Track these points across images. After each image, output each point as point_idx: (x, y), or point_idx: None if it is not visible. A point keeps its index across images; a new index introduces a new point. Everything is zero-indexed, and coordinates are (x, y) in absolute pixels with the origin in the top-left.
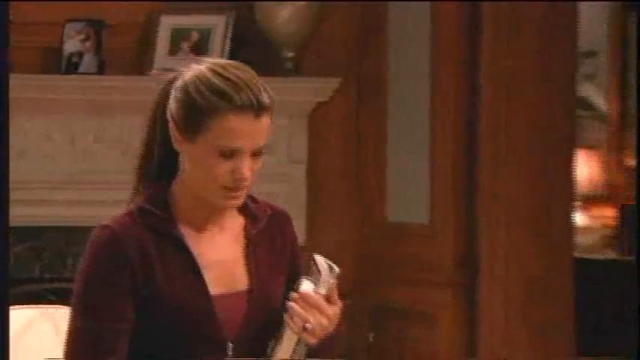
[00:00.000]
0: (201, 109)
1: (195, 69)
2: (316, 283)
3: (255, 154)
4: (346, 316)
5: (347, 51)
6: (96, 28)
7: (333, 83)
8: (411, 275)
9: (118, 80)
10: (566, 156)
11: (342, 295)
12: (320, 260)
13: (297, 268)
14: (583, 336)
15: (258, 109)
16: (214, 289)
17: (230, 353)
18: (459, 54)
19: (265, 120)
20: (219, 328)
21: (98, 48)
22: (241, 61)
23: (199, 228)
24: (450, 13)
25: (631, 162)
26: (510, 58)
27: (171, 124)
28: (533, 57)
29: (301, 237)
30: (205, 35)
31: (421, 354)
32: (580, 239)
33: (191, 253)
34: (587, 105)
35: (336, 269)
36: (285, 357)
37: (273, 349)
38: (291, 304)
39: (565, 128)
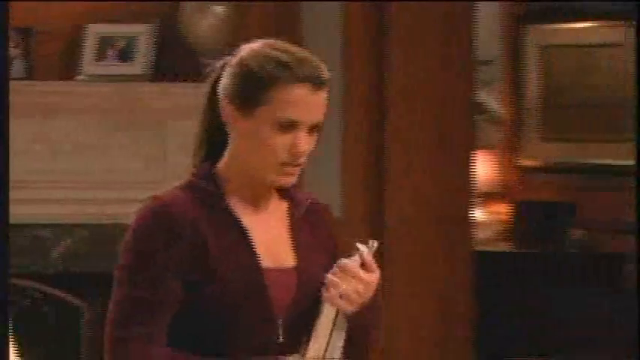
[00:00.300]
0: (262, 80)
1: (251, 46)
2: (351, 257)
3: (312, 130)
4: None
5: None
6: (24, 35)
7: None
8: None
9: (47, 85)
10: (465, 156)
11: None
12: (359, 245)
13: (338, 254)
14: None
15: (318, 82)
16: (263, 263)
17: (279, 328)
18: (368, 57)
19: (323, 95)
20: (269, 301)
21: (27, 54)
22: (164, 68)
23: (247, 205)
24: (358, 18)
25: (524, 162)
26: (414, 65)
27: (224, 102)
28: (435, 65)
29: None
30: (131, 42)
31: None
32: (478, 233)
33: (243, 227)
34: (483, 109)
35: (374, 243)
36: (325, 331)
37: (314, 325)
38: (328, 275)
39: (464, 130)
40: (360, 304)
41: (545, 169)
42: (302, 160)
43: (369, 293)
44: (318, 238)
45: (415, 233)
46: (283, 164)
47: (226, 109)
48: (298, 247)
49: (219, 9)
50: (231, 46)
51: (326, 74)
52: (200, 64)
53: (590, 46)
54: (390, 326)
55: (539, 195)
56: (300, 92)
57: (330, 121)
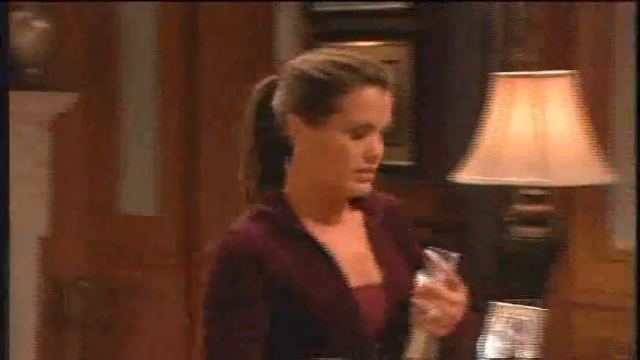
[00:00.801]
0: (332, 87)
1: (305, 58)
2: (432, 273)
3: (380, 133)
4: (85, 297)
5: (84, 67)
6: None
7: (71, 97)
8: (141, 260)
9: None
10: None
11: (80, 278)
12: (431, 253)
13: (417, 257)
14: None
15: (384, 82)
16: (351, 282)
17: (376, 349)
18: (180, 62)
19: (390, 95)
20: (362, 321)
21: None
22: None
23: (321, 222)
24: (171, 30)
25: None
26: (223, 75)
27: (288, 116)
28: (242, 76)
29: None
30: None
31: (148, 325)
32: None
33: (325, 249)
34: None
35: (453, 255)
36: (416, 355)
37: (407, 350)
38: (413, 299)
39: None
40: (452, 324)
41: None
42: (377, 164)
43: (460, 312)
44: (398, 244)
45: (227, 226)
46: (360, 171)
47: (292, 123)
48: (381, 259)
49: (40, 24)
50: (51, 59)
51: (390, 75)
52: (27, 74)
53: None
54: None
55: None
56: (370, 94)
57: (145, 127)
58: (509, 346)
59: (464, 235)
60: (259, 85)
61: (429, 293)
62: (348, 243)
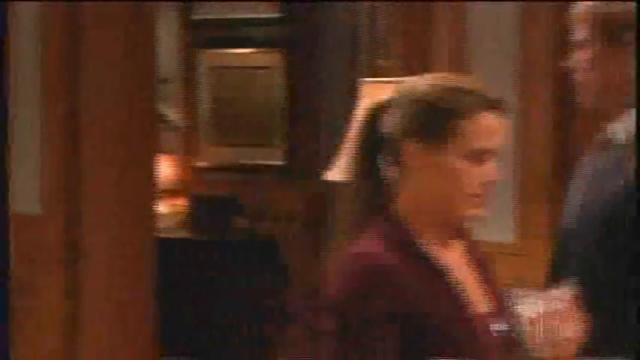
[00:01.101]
0: (451, 112)
1: (420, 83)
2: (531, 303)
3: (494, 157)
4: None
5: None
6: None
7: None
8: (25, 257)
9: None
10: (150, 159)
11: None
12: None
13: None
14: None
15: (501, 107)
16: (469, 308)
17: None
18: (62, 63)
19: (505, 120)
20: (481, 351)
21: None
22: None
23: (436, 247)
24: (54, 41)
25: (198, 163)
26: (105, 83)
27: (402, 142)
28: (124, 81)
29: None
30: None
31: (29, 322)
32: (161, 223)
33: (445, 272)
34: (165, 120)
35: (572, 282)
36: None
37: None
38: (529, 325)
39: (149, 137)
40: (571, 352)
41: (215, 169)
42: (491, 189)
43: (578, 337)
44: (489, 273)
45: (109, 224)
46: (475, 196)
47: (406, 149)
48: (485, 287)
49: None
50: None
51: (503, 98)
52: None
53: (250, 68)
54: (90, 309)
55: (211, 190)
56: (490, 119)
57: (25, 129)
58: None
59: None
60: (367, 108)
61: (550, 317)
62: (459, 268)
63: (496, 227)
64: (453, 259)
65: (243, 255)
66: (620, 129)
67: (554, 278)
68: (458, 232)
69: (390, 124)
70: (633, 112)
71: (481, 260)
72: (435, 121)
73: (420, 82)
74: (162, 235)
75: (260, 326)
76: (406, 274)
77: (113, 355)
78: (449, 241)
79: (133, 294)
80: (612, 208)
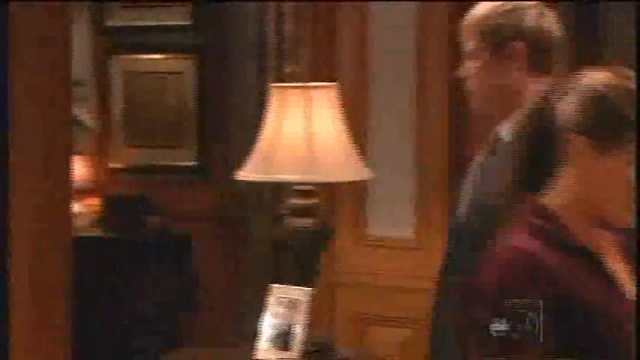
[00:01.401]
0: (627, 119)
1: (604, 76)
2: None
3: None
4: None
5: None
6: None
7: None
8: None
9: None
10: (65, 161)
11: None
12: None
13: None
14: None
15: None
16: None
17: None
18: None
19: None
20: (625, 339)
21: None
22: None
23: (591, 246)
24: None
25: (112, 164)
26: (34, 84)
27: (571, 134)
28: (39, 84)
29: None
30: None
31: None
32: (77, 222)
33: (605, 267)
34: (78, 122)
35: None
36: None
37: None
38: None
39: (64, 140)
40: None
41: (129, 170)
42: None
43: None
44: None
45: (31, 230)
46: (634, 202)
47: (576, 143)
48: (631, 278)
49: None
50: None
51: None
52: None
53: (162, 73)
54: (17, 307)
55: (125, 190)
56: None
57: None
58: (284, 322)
59: (244, 227)
60: (548, 91)
61: None
62: (611, 258)
63: (397, 223)
64: (604, 248)
65: (155, 254)
66: (507, 129)
67: (447, 271)
68: (605, 223)
69: (564, 114)
70: (517, 113)
71: (627, 250)
72: (610, 123)
73: (599, 78)
74: (76, 235)
75: (172, 325)
76: (563, 268)
77: (27, 352)
78: (596, 242)
79: (50, 292)
80: (500, 202)
